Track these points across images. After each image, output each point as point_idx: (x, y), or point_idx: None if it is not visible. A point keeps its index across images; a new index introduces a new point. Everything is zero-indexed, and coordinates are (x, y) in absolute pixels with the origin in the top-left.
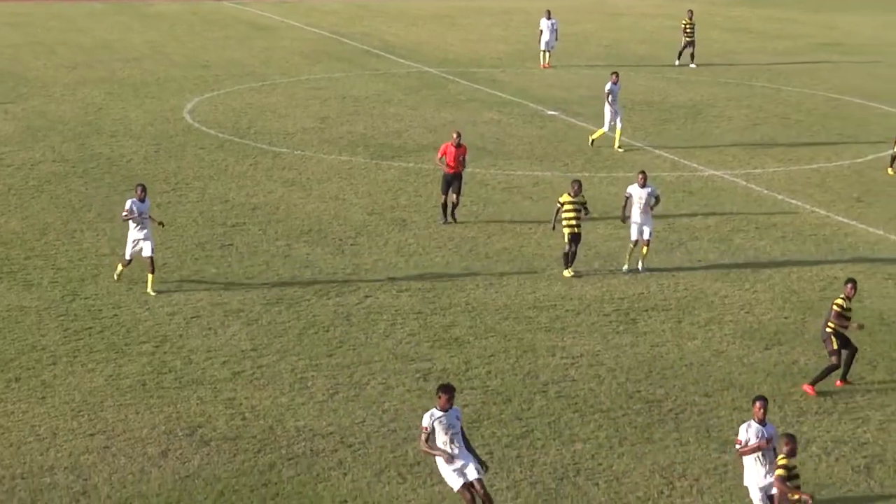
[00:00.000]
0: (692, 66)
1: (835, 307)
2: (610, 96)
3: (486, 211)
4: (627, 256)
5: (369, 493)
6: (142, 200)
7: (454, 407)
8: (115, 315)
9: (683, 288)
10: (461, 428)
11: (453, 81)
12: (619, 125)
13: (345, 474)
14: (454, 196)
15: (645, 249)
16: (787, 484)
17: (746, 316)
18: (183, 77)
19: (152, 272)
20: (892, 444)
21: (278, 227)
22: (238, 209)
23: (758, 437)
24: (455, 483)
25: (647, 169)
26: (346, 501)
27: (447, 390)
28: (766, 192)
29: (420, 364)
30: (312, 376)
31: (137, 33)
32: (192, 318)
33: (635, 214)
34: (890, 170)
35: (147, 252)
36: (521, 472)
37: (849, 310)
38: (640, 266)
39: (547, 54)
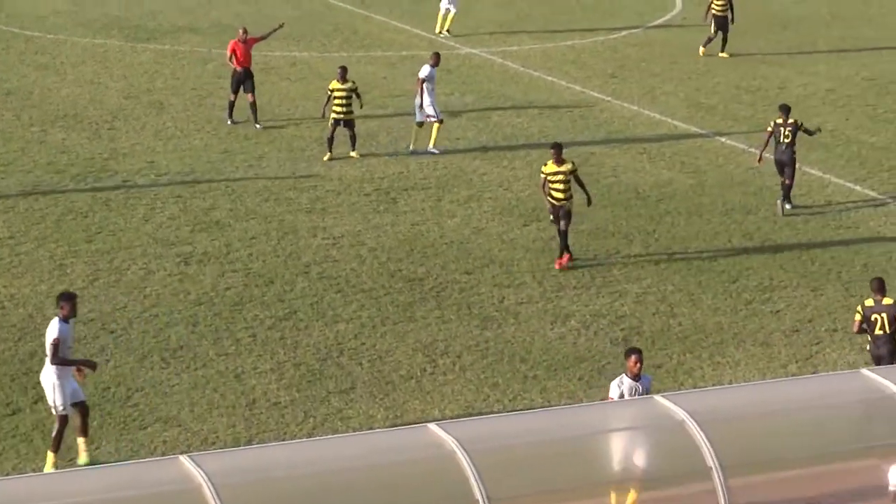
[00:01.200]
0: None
1: (542, 174)
2: None
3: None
4: (413, 137)
5: (132, 379)
6: None
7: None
8: None
9: (443, 167)
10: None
11: None
12: (453, 11)
13: (107, 361)
14: (249, 95)
15: (437, 127)
16: None
17: (505, 193)
18: None
19: None
20: (648, 317)
21: (32, 113)
22: None
23: (631, 394)
24: (65, 402)
25: (406, 49)
26: (109, 388)
27: (67, 298)
28: (522, 69)
29: (181, 248)
30: (72, 263)
31: None
32: None
33: (426, 93)
34: (702, 49)
35: None
36: (284, 353)
37: (556, 174)
38: (431, 146)
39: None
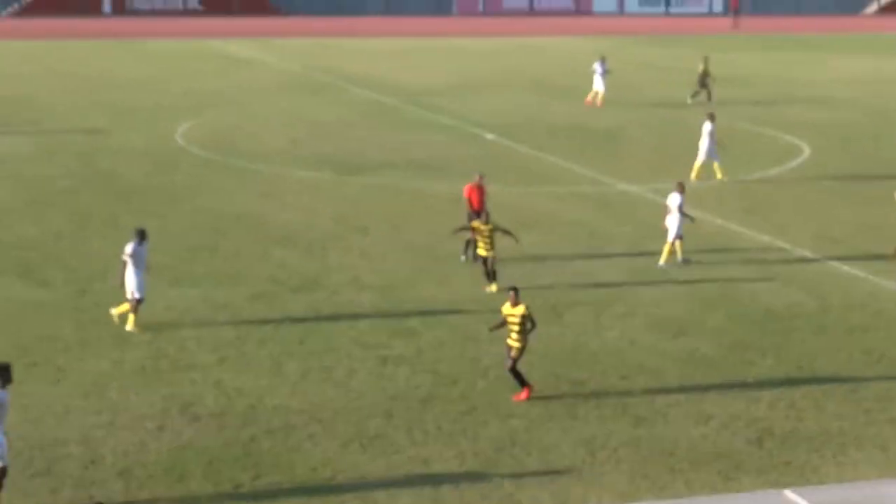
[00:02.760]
0: (709, 101)
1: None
2: (708, 136)
3: (436, 220)
4: (665, 253)
5: (336, 463)
6: (140, 244)
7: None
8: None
9: (603, 286)
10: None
11: (405, 108)
12: (709, 159)
13: (315, 446)
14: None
15: (679, 244)
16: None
17: (656, 310)
18: (175, 105)
19: (134, 312)
20: (779, 420)
21: (257, 234)
22: (223, 218)
23: None
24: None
25: (571, 185)
26: (315, 469)
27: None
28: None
29: (379, 351)
30: (287, 361)
31: (136, 67)
32: (184, 311)
33: (675, 217)
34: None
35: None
36: (465, 443)
37: (511, 316)
38: (679, 259)
39: (598, 94)
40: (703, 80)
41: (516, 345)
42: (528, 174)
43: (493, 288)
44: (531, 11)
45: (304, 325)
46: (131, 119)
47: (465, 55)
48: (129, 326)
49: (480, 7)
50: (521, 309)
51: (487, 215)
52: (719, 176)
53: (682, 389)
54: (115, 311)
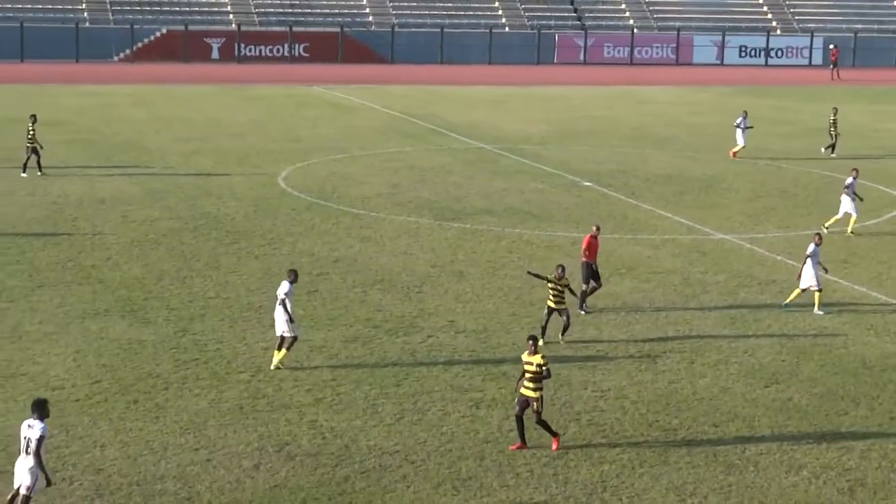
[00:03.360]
0: (832, 155)
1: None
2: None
3: (531, 265)
4: (793, 297)
5: (428, 503)
6: (292, 283)
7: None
8: (218, 349)
9: (696, 333)
10: (33, 440)
11: (504, 156)
12: (854, 214)
13: (408, 487)
14: (594, 283)
15: (818, 295)
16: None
17: (749, 358)
18: (278, 149)
19: (286, 349)
20: (871, 470)
21: (356, 277)
22: (322, 261)
23: None
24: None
25: (668, 233)
26: None
27: (37, 406)
28: (767, 253)
29: (473, 394)
30: (382, 403)
31: (241, 112)
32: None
33: (809, 266)
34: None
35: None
36: (556, 487)
37: (527, 364)
38: (816, 309)
39: (738, 147)
40: (833, 132)
41: (533, 395)
42: (625, 222)
43: (563, 341)
44: (631, 61)
45: (399, 368)
46: (236, 163)
47: (565, 104)
48: (275, 363)
49: (581, 56)
50: (537, 358)
51: (563, 270)
52: (851, 230)
53: (774, 438)
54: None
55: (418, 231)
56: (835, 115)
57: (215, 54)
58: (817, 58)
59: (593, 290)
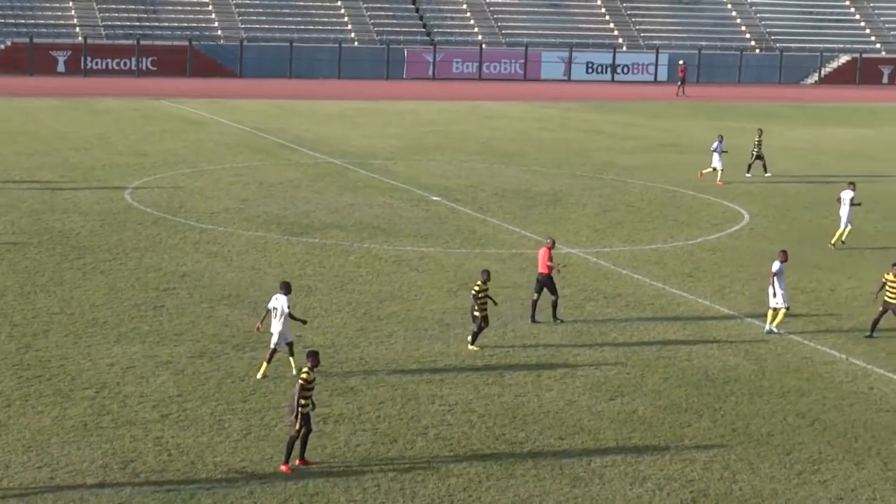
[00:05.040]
0: (767, 174)
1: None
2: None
3: (379, 280)
4: (776, 321)
5: None
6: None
7: None
8: (62, 365)
9: (543, 347)
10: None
11: (353, 171)
12: (848, 226)
13: (255, 502)
14: (553, 297)
15: (781, 312)
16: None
17: (595, 371)
18: (125, 164)
19: (292, 355)
20: (713, 481)
21: (203, 292)
22: (169, 276)
23: None
24: None
25: (515, 247)
26: None
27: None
28: (612, 267)
29: (320, 409)
30: (229, 419)
31: (87, 126)
32: (127, 368)
33: (777, 284)
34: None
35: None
36: (403, 501)
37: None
38: (770, 325)
39: (718, 172)
40: (758, 153)
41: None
42: (473, 236)
43: (474, 348)
44: (480, 77)
45: (246, 383)
46: (82, 177)
47: (414, 118)
48: (260, 374)
49: (430, 72)
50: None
51: (488, 275)
52: (843, 240)
53: (619, 450)
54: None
55: (266, 246)
56: (759, 136)
57: (61, 67)
58: (662, 74)
59: (553, 302)
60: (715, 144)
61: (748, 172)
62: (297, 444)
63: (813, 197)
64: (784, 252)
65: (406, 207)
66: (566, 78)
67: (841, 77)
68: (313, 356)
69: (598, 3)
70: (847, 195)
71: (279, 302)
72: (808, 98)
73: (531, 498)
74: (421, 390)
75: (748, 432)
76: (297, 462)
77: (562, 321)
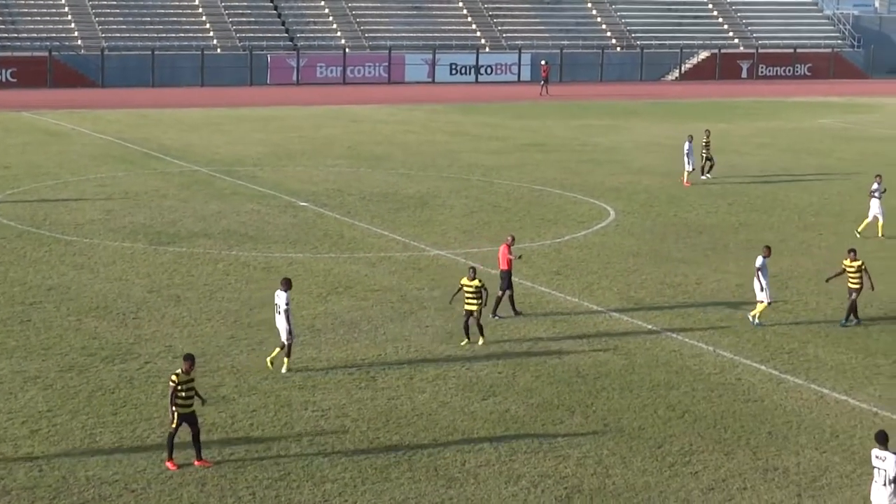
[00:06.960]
0: (709, 176)
1: None
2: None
3: (248, 287)
4: (757, 314)
5: None
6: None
7: None
8: None
9: (415, 350)
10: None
11: (219, 178)
12: (881, 218)
13: None
14: (508, 292)
15: (762, 307)
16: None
17: (466, 372)
18: None
19: (287, 356)
20: (587, 477)
21: (70, 305)
22: (35, 290)
23: None
24: None
25: (384, 251)
26: None
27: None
28: (481, 268)
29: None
30: (100, 432)
31: None
32: None
33: (761, 278)
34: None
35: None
36: None
37: None
38: (752, 315)
39: (686, 174)
40: (707, 154)
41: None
42: (341, 241)
43: (480, 342)
44: (344, 81)
45: (116, 396)
46: None
47: (279, 124)
48: (285, 369)
49: (294, 77)
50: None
51: (475, 272)
52: (881, 234)
53: (493, 450)
54: (269, 359)
55: (133, 256)
56: (707, 137)
57: None
58: (525, 74)
59: (510, 297)
60: (687, 146)
61: (703, 174)
62: (192, 445)
63: (675, 192)
64: (767, 248)
65: (274, 214)
66: (430, 80)
67: (701, 73)
68: (189, 359)
69: (461, 4)
70: (875, 187)
71: (279, 298)
72: (668, 94)
73: (407, 500)
74: (294, 397)
75: (620, 427)
76: (195, 462)
77: (521, 314)
